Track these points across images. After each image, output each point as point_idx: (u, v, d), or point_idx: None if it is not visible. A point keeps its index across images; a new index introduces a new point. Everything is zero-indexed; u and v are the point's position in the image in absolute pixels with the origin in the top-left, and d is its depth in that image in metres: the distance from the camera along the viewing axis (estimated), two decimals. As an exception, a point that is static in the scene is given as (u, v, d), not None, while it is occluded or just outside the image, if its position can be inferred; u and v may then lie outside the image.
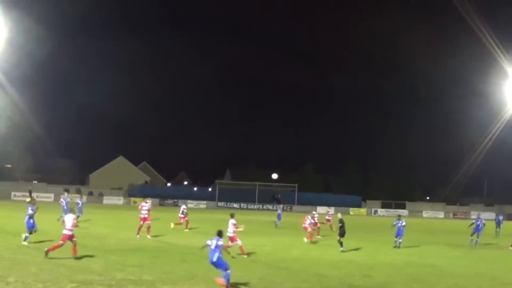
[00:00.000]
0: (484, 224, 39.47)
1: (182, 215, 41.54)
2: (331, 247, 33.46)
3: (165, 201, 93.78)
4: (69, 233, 22.87)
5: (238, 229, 27.03)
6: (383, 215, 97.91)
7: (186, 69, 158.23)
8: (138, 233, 33.23)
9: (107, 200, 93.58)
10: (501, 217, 52.56)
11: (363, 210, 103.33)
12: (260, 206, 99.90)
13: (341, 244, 31.16)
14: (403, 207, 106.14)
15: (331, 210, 43.68)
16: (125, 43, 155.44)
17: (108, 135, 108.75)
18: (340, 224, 31.42)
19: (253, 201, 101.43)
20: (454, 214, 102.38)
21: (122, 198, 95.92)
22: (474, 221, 39.92)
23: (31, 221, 27.43)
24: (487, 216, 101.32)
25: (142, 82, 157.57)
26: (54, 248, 22.50)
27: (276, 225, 51.14)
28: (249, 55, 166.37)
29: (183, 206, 42.98)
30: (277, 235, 41.17)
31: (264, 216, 70.10)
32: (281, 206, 57.83)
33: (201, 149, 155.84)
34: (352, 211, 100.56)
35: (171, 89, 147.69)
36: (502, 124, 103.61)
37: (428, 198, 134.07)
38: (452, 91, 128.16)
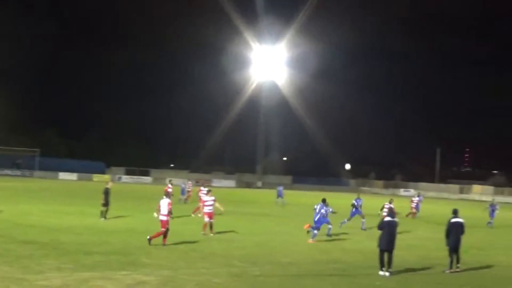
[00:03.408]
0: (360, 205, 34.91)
1: None
2: (71, 214, 32.92)
3: None
4: (166, 218, 22.26)
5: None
6: (128, 182, 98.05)
7: None
8: None
9: None
10: (281, 188, 53.74)
11: (106, 177, 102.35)
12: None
13: (105, 212, 30.62)
14: (147, 174, 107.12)
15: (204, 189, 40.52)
16: None
17: None
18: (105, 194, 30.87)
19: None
20: (196, 181, 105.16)
21: None
22: (354, 201, 35.01)
23: None
24: (227, 184, 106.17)
25: None
26: (157, 235, 22.15)
27: (281, 202, 50.46)
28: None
29: None
30: (15, 203, 39.34)
31: (1, 183, 66.83)
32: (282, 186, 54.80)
33: None
34: (96, 177, 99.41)
35: None
36: (244, 98, 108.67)
37: (172, 165, 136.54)
38: (200, 65, 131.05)
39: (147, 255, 19.71)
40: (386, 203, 31.68)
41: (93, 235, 24.01)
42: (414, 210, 43.59)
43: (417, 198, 45.21)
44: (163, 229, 22.31)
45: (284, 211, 44.83)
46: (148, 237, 22.22)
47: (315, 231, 26.26)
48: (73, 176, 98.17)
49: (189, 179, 72.36)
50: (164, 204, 22.57)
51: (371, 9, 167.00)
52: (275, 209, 47.44)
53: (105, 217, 30.56)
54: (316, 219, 26.39)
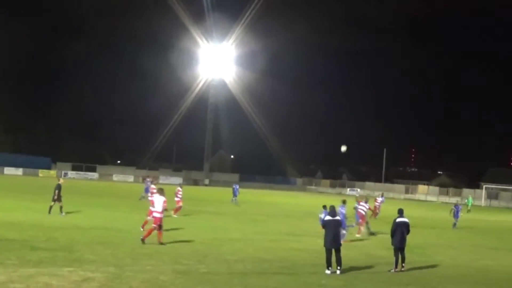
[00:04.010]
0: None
1: None
2: (16, 210, 32.41)
3: None
4: (159, 215, 22.48)
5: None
6: (74, 178, 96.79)
7: None
8: None
9: None
10: (237, 186, 53.26)
11: (52, 172, 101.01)
12: None
13: (54, 208, 30.80)
14: (93, 170, 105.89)
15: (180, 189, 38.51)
16: None
17: None
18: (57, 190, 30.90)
19: None
20: (143, 178, 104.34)
21: None
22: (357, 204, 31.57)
23: None
24: (174, 181, 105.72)
25: None
26: (150, 233, 22.34)
27: (234, 201, 50.35)
28: None
29: None
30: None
31: None
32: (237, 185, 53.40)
33: None
34: (42, 173, 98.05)
35: None
36: (193, 96, 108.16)
37: (119, 162, 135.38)
38: (148, 61, 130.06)
39: (92, 252, 19.52)
40: (362, 202, 31.70)
41: (38, 231, 23.70)
42: (376, 211, 43.84)
43: (380, 199, 45.37)
44: (155, 225, 22.48)
45: (231, 209, 44.88)
46: (141, 237, 22.45)
47: (343, 231, 26.57)
48: (18, 171, 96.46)
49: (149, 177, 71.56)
50: (160, 201, 22.81)
51: (320, 8, 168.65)
52: (222, 206, 47.47)
53: (49, 212, 30.64)
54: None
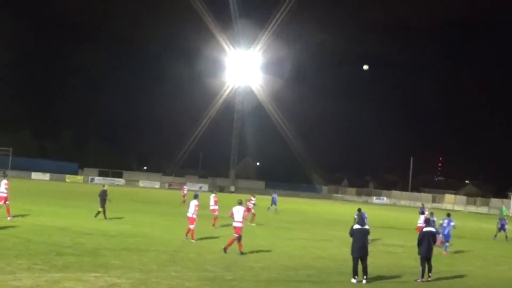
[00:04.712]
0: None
1: None
2: (43, 215, 32.63)
3: None
4: (240, 225, 22.72)
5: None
6: (100, 183, 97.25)
7: None
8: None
9: None
10: (276, 195, 52.49)
11: (79, 178, 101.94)
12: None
13: (99, 213, 31.62)
14: (120, 176, 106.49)
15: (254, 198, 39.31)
16: None
17: None
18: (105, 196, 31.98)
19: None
20: (169, 185, 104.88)
21: None
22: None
23: None
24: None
25: None
26: (231, 243, 22.57)
27: (275, 210, 50.05)
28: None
29: None
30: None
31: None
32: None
33: None
34: (69, 178, 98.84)
35: None
36: (219, 103, 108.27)
37: (145, 168, 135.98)
38: (175, 69, 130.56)
39: (118, 258, 19.57)
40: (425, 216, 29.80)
41: (65, 236, 23.82)
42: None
43: (426, 212, 40.46)
44: (236, 235, 22.62)
45: (257, 216, 44.69)
46: (223, 247, 22.66)
47: (447, 244, 28.05)
48: (45, 176, 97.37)
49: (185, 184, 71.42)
50: (240, 211, 22.98)
51: (347, 15, 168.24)
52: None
53: (105, 217, 31.58)
54: (446, 233, 28.18)
